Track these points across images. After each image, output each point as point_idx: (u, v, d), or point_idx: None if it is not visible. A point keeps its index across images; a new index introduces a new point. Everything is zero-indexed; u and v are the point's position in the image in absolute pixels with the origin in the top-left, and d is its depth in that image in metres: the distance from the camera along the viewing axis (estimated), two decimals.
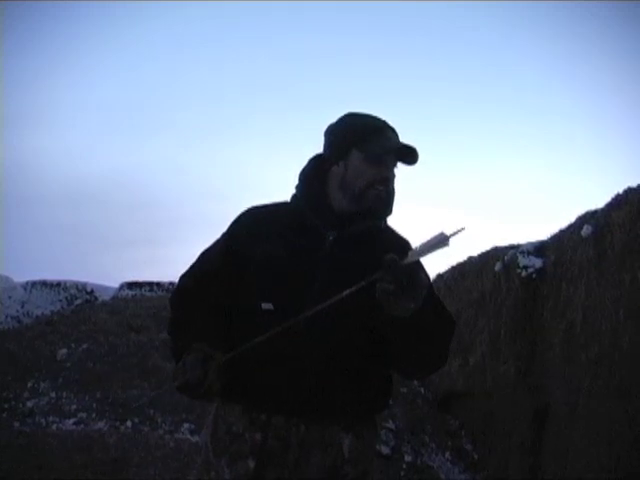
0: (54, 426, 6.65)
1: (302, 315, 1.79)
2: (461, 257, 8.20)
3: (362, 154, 2.01)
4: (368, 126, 2.06)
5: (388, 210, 2.07)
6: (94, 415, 6.99)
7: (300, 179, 2.11)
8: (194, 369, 1.81)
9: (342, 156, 2.05)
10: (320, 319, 1.83)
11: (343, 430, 1.90)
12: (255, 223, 2.07)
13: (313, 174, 2.09)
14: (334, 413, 1.89)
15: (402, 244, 2.10)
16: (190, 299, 2.06)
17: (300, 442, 1.86)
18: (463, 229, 1.69)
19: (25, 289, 12.67)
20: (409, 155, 2.03)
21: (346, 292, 1.74)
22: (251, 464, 1.86)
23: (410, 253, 1.74)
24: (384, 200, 2.02)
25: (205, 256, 2.12)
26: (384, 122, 2.09)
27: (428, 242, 1.71)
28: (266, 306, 1.87)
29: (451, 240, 1.68)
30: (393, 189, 2.06)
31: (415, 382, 8.23)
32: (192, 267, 2.14)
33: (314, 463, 1.86)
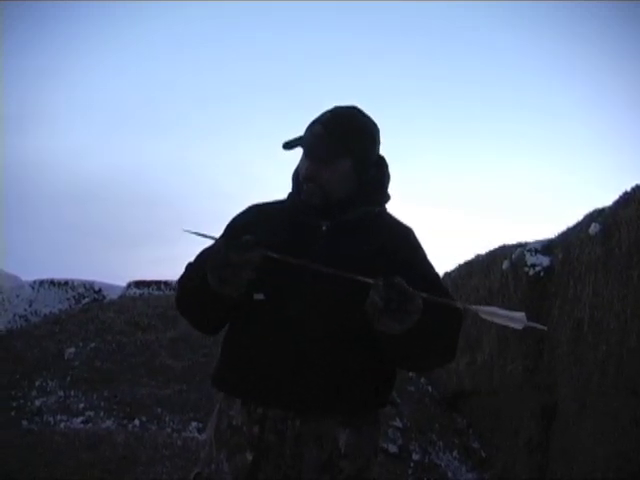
0: (62, 425, 6.68)
1: (307, 263, 1.80)
2: (469, 255, 8.20)
3: (302, 150, 2.06)
4: (309, 125, 2.06)
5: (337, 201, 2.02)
6: (102, 414, 7.02)
7: (292, 178, 2.15)
8: (240, 249, 1.75)
9: None
10: (319, 312, 1.86)
11: (340, 425, 1.89)
12: (253, 219, 2.09)
13: None
14: (331, 407, 1.89)
15: (402, 230, 2.11)
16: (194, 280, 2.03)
17: (296, 436, 1.85)
18: (544, 329, 1.80)
19: (33, 288, 12.73)
20: (314, 136, 2.02)
21: (348, 275, 1.75)
22: (249, 457, 1.86)
23: (482, 309, 1.79)
24: (316, 195, 2.00)
25: (204, 254, 2.12)
26: (325, 116, 2.06)
27: (505, 312, 1.78)
28: (258, 296, 1.87)
29: (524, 326, 1.77)
30: (333, 181, 2.01)
31: (422, 380, 8.24)
32: (189, 267, 2.14)
33: (310, 457, 1.85)
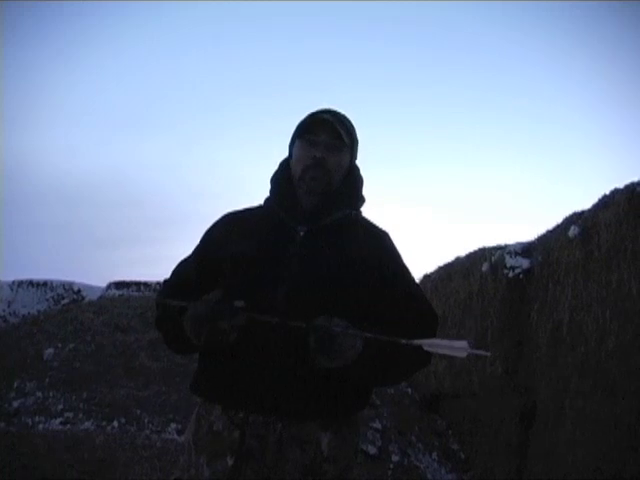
0: (40, 426, 6.63)
1: (271, 319, 1.84)
2: (448, 257, 8.22)
3: (299, 141, 2.09)
4: (308, 116, 2.11)
5: (332, 192, 2.06)
6: (81, 415, 6.97)
7: (271, 182, 2.17)
8: (221, 310, 1.81)
9: (291, 151, 2.15)
10: (297, 319, 1.85)
11: (321, 428, 1.90)
12: (228, 227, 2.11)
13: (281, 175, 2.15)
14: (312, 411, 1.90)
15: (379, 234, 2.13)
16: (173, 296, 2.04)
17: (278, 440, 1.86)
18: (487, 355, 1.91)
19: (11, 288, 12.62)
20: (323, 123, 2.06)
21: (282, 321, 1.82)
22: (230, 462, 1.87)
23: (424, 342, 1.83)
24: (319, 179, 2.03)
25: (181, 268, 2.14)
26: (327, 110, 2.12)
27: (448, 342, 1.82)
28: (238, 303, 1.87)
29: (467, 354, 1.81)
30: (336, 170, 2.06)
31: (402, 382, 8.25)
32: (167, 282, 2.15)
33: (292, 461, 1.86)
